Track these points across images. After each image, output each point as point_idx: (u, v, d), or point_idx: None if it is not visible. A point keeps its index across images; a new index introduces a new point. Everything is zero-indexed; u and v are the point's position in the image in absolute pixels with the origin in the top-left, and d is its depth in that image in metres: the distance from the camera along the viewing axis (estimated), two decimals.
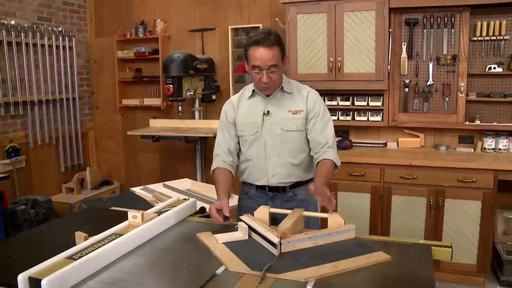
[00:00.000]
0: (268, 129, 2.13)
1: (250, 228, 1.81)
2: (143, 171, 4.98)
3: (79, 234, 1.74)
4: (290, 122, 2.11)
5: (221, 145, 2.22)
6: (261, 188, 2.21)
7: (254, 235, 1.79)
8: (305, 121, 2.12)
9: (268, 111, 2.13)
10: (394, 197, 3.41)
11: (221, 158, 2.19)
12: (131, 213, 1.84)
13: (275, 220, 1.92)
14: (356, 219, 3.44)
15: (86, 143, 5.00)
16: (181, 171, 4.69)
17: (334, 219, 1.84)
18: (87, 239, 1.70)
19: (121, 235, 1.70)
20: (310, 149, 2.16)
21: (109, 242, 1.63)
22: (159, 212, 1.98)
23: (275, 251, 1.63)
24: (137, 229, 1.76)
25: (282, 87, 2.13)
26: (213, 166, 2.19)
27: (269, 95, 2.13)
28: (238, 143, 2.22)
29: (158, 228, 1.87)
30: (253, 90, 2.17)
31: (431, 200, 3.31)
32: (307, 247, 1.71)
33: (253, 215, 1.92)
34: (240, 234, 1.81)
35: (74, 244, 1.69)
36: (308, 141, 2.15)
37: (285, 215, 1.85)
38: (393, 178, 3.39)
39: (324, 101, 2.57)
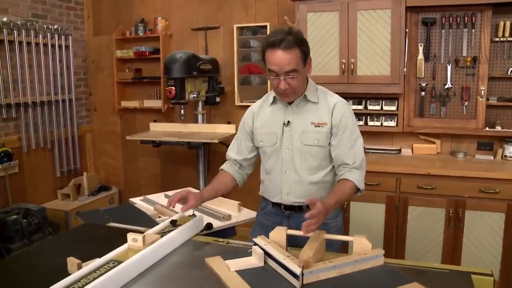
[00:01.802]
0: (288, 142, 1.92)
1: (266, 253, 1.60)
2: (142, 176, 4.76)
3: (71, 261, 1.53)
4: (311, 135, 1.88)
5: (231, 152, 2.12)
6: (277, 205, 2.00)
7: (270, 261, 1.58)
8: (329, 136, 1.89)
9: (289, 121, 1.91)
10: (410, 208, 3.20)
11: (229, 163, 2.12)
12: (131, 235, 1.63)
13: (291, 239, 1.71)
14: (369, 231, 3.25)
15: (83, 146, 4.79)
16: (183, 177, 4.48)
17: (360, 243, 1.63)
18: (81, 266, 1.50)
19: (119, 262, 1.49)
20: (332, 166, 1.94)
21: (106, 271, 1.42)
22: (162, 233, 1.77)
23: (296, 283, 1.43)
24: (138, 254, 1.54)
25: (305, 95, 1.90)
26: (221, 166, 2.13)
27: (290, 102, 1.91)
28: (255, 154, 2.07)
29: (161, 252, 1.66)
30: (275, 97, 1.96)
31: (451, 211, 3.10)
32: (332, 276, 1.50)
33: (267, 236, 1.71)
34: (254, 260, 1.59)
35: (65, 271, 1.49)
36: (330, 157, 1.93)
37: (303, 236, 1.64)
38: (410, 187, 3.19)
39: None
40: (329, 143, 1.90)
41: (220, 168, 2.11)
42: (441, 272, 1.57)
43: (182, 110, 3.82)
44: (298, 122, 1.90)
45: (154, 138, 3.79)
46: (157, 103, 4.43)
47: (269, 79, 1.85)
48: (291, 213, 1.97)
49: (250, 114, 2.04)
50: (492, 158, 3.47)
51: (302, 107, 1.91)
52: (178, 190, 1.95)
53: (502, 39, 3.32)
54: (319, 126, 1.88)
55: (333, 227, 1.96)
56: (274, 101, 1.97)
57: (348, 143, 1.87)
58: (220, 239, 1.88)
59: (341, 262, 1.53)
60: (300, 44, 1.76)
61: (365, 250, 1.61)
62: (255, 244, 1.65)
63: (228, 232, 2.36)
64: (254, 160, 2.09)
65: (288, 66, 1.75)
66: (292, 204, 1.95)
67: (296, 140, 1.90)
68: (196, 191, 2.05)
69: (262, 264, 1.58)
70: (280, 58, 1.74)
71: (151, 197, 2.78)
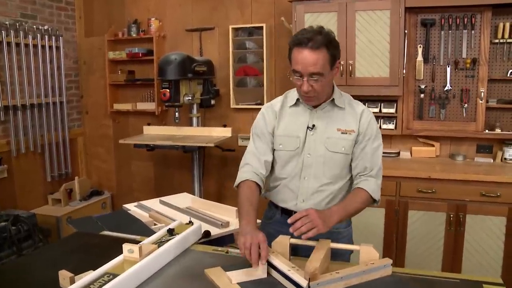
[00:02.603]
0: (310, 146, 1.81)
1: (270, 264, 1.52)
2: (135, 180, 4.67)
3: (63, 274, 1.44)
4: (337, 142, 1.79)
5: (256, 153, 1.86)
6: (287, 213, 1.87)
7: (274, 273, 1.50)
8: (354, 144, 1.81)
9: (314, 125, 1.81)
10: (410, 212, 3.15)
11: (252, 169, 1.82)
12: (126, 246, 1.54)
13: (294, 248, 1.65)
14: (369, 235, 3.19)
15: (75, 150, 4.67)
16: (177, 182, 4.39)
17: (367, 253, 1.56)
18: (74, 280, 1.41)
19: (115, 275, 1.40)
20: (350, 177, 1.87)
21: (100, 286, 1.33)
22: (159, 242, 1.68)
23: None
24: (134, 266, 1.45)
25: (333, 99, 1.81)
26: (241, 178, 1.81)
27: (315, 106, 1.82)
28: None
29: (159, 263, 1.58)
30: (298, 99, 1.85)
31: (451, 215, 3.05)
32: None
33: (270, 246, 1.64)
34: (258, 272, 1.51)
35: (57, 286, 1.42)
36: (350, 167, 1.85)
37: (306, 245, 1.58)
38: (410, 192, 3.14)
39: None
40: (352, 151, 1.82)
41: (243, 180, 1.81)
42: (451, 282, 1.51)
43: (176, 113, 3.73)
44: (323, 127, 1.80)
45: (148, 142, 3.70)
46: (150, 106, 4.33)
47: (292, 79, 1.74)
48: None
49: (272, 112, 1.88)
50: (492, 161, 3.43)
51: (328, 111, 1.82)
52: (247, 247, 1.50)
53: (501, 40, 3.28)
54: (346, 133, 1.79)
55: (345, 236, 1.90)
56: (296, 103, 1.86)
57: (370, 150, 1.81)
58: (219, 248, 1.80)
59: (348, 273, 1.46)
60: (329, 45, 1.65)
61: (372, 259, 1.54)
62: None
63: (226, 240, 2.28)
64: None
65: (312, 68, 1.64)
66: None
67: (320, 146, 1.80)
68: (194, 196, 1.91)
69: (265, 275, 1.51)
70: (306, 58, 1.64)
71: (146, 203, 2.69)
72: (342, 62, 3.37)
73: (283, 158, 1.86)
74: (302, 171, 1.83)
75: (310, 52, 1.63)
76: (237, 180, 1.84)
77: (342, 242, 1.70)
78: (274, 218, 1.95)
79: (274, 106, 1.90)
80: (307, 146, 1.82)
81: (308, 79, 1.67)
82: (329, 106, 1.82)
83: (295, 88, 1.84)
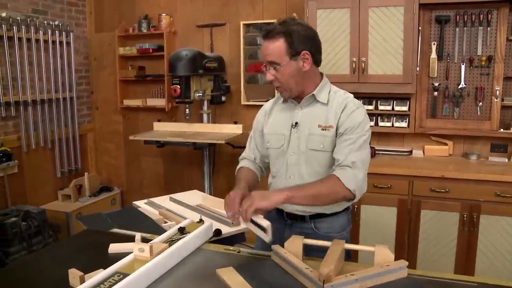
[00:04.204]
0: (294, 145, 1.78)
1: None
2: (145, 176, 4.66)
3: (73, 273, 1.42)
4: (316, 139, 1.73)
5: (248, 152, 1.99)
6: (280, 211, 1.88)
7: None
8: (335, 140, 1.72)
9: (296, 123, 1.78)
10: (423, 212, 3.10)
11: (247, 161, 1.97)
12: (137, 245, 1.52)
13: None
14: (380, 235, 3.16)
15: (85, 146, 4.68)
16: (187, 178, 4.38)
17: (381, 254, 1.52)
18: (84, 279, 1.39)
19: (126, 274, 1.38)
20: None
21: (111, 285, 1.31)
22: (170, 241, 1.66)
23: None
24: (145, 266, 1.43)
25: (313, 94, 1.76)
26: (238, 166, 1.97)
27: (299, 102, 1.79)
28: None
29: (169, 263, 1.55)
30: None
31: (465, 215, 3.00)
32: None
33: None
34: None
35: (67, 284, 1.40)
36: None
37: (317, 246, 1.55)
38: (422, 191, 3.09)
39: None
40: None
41: (240, 166, 1.95)
42: (469, 285, 1.46)
43: (187, 110, 3.71)
44: (306, 124, 1.76)
45: (159, 139, 3.68)
46: (160, 102, 4.32)
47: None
48: (293, 222, 1.86)
49: (264, 112, 1.93)
50: (507, 160, 3.37)
51: (310, 107, 1.78)
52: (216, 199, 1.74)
53: None
54: (325, 130, 1.73)
55: (336, 238, 1.84)
56: (285, 100, 1.84)
57: (347, 142, 1.67)
58: (231, 248, 1.78)
59: (363, 275, 1.42)
60: (287, 35, 1.63)
61: (387, 261, 1.50)
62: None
63: (237, 238, 2.25)
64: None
65: (268, 57, 1.67)
66: (294, 212, 1.84)
67: (302, 143, 1.76)
68: (204, 194, 1.89)
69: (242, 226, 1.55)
70: (264, 48, 1.68)
71: (156, 200, 2.67)
72: (354, 59, 3.32)
73: (272, 156, 1.88)
74: (288, 170, 1.81)
75: (267, 42, 1.66)
76: (236, 169, 1.95)
77: None
78: (270, 214, 1.92)
79: (266, 105, 1.95)
80: (292, 144, 1.79)
81: (268, 68, 1.68)
82: (311, 101, 1.78)
83: None
